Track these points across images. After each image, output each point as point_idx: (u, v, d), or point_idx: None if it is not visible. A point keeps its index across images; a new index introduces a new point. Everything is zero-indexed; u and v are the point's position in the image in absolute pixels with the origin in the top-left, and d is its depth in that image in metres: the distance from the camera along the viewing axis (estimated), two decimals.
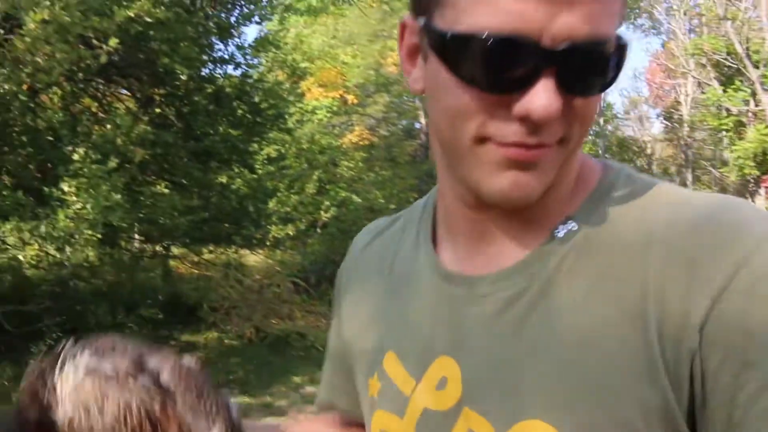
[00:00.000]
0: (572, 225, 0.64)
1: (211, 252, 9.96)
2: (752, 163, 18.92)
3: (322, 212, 11.96)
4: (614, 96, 39.91)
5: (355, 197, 12.32)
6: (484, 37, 0.54)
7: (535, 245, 0.65)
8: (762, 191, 19.83)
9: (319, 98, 15.89)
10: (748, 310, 0.52)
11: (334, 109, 15.95)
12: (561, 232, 0.64)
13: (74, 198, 5.98)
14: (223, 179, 9.57)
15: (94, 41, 6.99)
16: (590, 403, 0.57)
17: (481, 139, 0.59)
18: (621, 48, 0.57)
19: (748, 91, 19.58)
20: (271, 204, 10.53)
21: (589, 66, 0.56)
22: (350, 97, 16.92)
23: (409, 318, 0.73)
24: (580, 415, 0.58)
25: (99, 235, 6.32)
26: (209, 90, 8.80)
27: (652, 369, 0.55)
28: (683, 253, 0.56)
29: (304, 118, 14.04)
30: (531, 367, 0.61)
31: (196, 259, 9.90)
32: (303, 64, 14.09)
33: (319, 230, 11.91)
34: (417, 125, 18.32)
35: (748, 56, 19.02)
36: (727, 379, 0.53)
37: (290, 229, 11.16)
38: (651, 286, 0.57)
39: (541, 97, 0.55)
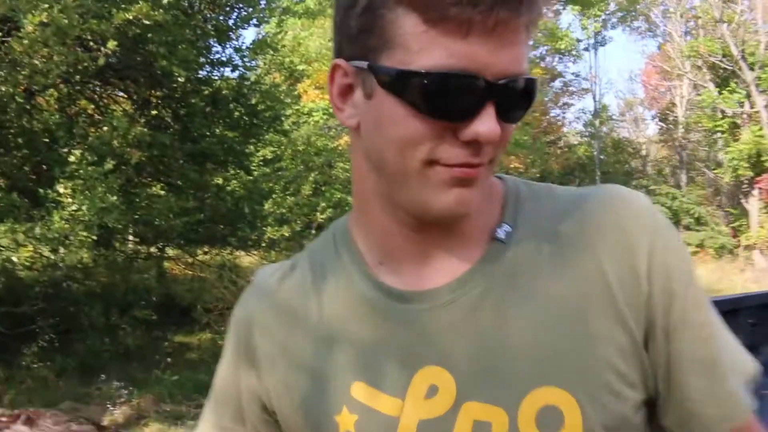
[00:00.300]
0: (506, 227, 0.74)
1: (205, 253, 9.89)
2: (746, 165, 19.00)
3: (317, 213, 12.00)
4: (610, 98, 40.03)
5: (350, 198, 12.30)
6: (440, 74, 0.62)
7: (479, 252, 0.74)
8: (755, 192, 19.92)
9: (316, 100, 15.93)
10: (667, 259, 0.71)
11: (331, 111, 15.92)
12: (501, 234, 0.74)
13: (69, 199, 5.99)
14: (219, 181, 9.56)
15: (92, 44, 7.02)
16: (582, 355, 0.69)
17: (430, 162, 0.66)
18: (533, 84, 0.68)
19: (743, 92, 19.66)
20: (267, 205, 10.52)
21: (516, 98, 0.67)
22: None
23: (369, 346, 0.75)
24: (578, 366, 0.69)
25: (94, 237, 6.33)
26: (206, 92, 8.80)
27: (621, 317, 0.69)
28: (617, 227, 0.71)
29: (300, 120, 14.04)
30: (522, 347, 0.69)
31: (190, 260, 9.84)
32: (300, 67, 14.11)
33: (314, 231, 11.92)
34: None
35: (744, 58, 19.10)
36: (664, 309, 0.71)
37: (286, 231, 11.16)
38: (603, 257, 0.71)
39: (487, 122, 0.64)
